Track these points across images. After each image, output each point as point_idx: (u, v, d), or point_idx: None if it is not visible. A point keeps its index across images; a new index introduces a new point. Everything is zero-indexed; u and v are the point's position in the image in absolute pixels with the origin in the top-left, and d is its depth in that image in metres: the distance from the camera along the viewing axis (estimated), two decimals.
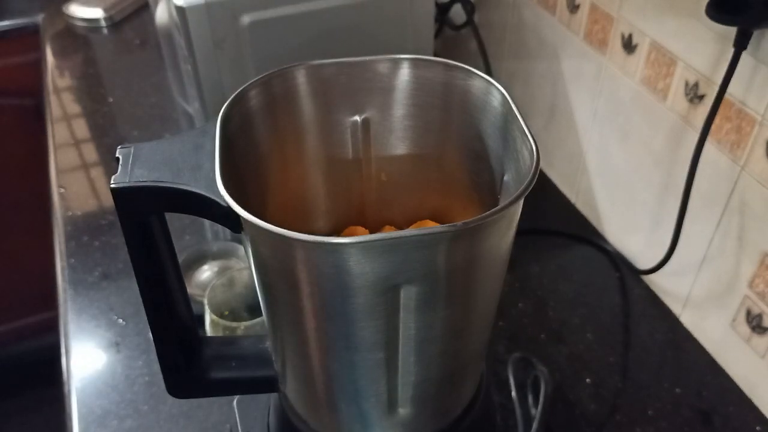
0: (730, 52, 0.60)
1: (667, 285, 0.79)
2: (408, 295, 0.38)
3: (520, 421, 0.66)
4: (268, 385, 0.52)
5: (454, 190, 0.51)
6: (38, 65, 1.29)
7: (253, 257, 0.41)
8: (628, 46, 0.75)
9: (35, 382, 1.70)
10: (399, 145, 0.51)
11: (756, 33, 0.58)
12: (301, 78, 0.47)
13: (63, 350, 0.76)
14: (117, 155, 0.41)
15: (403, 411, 0.47)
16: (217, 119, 0.42)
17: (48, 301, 0.95)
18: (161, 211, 0.43)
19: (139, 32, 1.31)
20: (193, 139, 0.42)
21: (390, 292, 0.38)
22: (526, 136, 0.40)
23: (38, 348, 1.74)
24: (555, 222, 0.91)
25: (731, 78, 0.61)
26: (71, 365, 0.74)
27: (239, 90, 0.44)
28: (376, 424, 0.48)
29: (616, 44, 0.77)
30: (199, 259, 0.79)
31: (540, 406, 0.66)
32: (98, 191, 0.98)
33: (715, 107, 0.63)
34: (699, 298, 0.74)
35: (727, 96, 0.63)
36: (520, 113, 0.42)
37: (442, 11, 1.06)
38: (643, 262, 0.82)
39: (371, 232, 0.54)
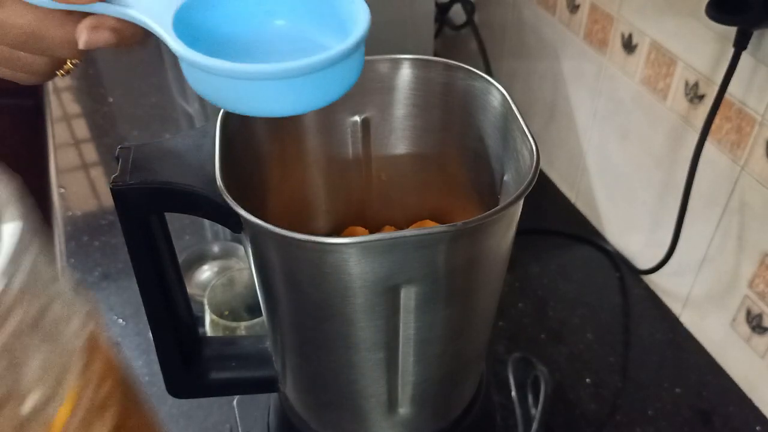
0: (730, 52, 0.60)
1: (667, 285, 0.79)
2: (408, 295, 0.38)
3: (520, 421, 0.66)
4: (268, 385, 0.52)
5: (454, 190, 0.51)
6: None
7: (253, 257, 0.41)
8: (628, 46, 0.75)
9: None
10: (399, 145, 0.51)
11: (756, 33, 0.58)
12: None
13: None
14: (117, 155, 0.41)
15: (403, 411, 0.47)
16: (217, 119, 0.42)
17: None
18: (161, 211, 0.43)
19: None
20: (193, 139, 0.43)
21: (390, 292, 0.38)
22: (526, 136, 0.40)
23: None
24: (555, 222, 0.91)
25: (731, 78, 0.61)
26: None
27: None
28: (376, 424, 0.48)
29: (616, 44, 0.77)
30: (199, 259, 0.79)
31: (540, 406, 0.66)
32: (98, 191, 0.98)
33: (715, 107, 0.63)
34: (699, 298, 0.74)
35: (727, 96, 0.63)
36: (520, 113, 0.42)
37: (442, 11, 1.06)
38: (643, 262, 0.82)
39: (371, 232, 0.54)
